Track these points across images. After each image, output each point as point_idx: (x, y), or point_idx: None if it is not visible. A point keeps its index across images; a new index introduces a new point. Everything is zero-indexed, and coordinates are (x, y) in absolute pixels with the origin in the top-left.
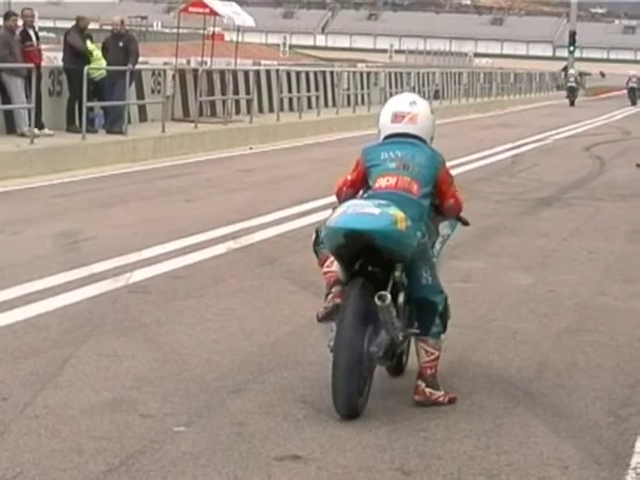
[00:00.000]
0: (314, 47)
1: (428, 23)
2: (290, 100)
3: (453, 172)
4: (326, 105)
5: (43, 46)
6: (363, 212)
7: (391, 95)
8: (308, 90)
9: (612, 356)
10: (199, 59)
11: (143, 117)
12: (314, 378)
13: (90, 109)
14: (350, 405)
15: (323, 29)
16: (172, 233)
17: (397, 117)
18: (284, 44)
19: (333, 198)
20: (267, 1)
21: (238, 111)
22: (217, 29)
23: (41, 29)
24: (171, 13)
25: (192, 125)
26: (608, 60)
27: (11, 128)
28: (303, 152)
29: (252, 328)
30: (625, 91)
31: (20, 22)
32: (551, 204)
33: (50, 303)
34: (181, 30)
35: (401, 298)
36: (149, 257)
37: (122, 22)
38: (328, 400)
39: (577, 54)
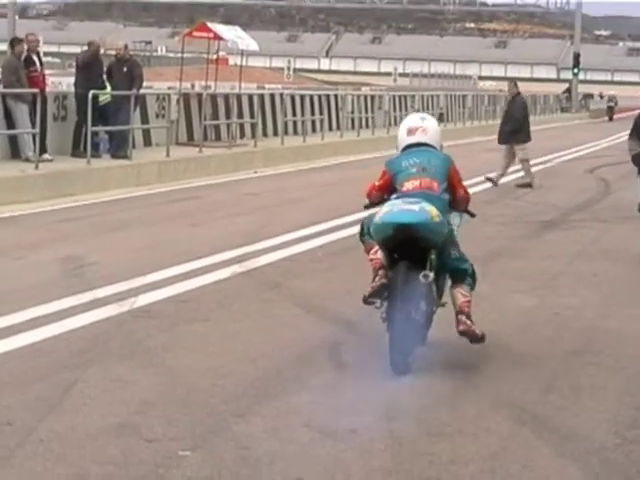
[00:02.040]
0: (318, 71)
1: (432, 46)
2: (294, 124)
3: None
4: (330, 129)
5: (47, 71)
6: (406, 209)
7: (395, 119)
8: (312, 114)
9: (617, 378)
10: (203, 83)
11: (148, 141)
12: (319, 402)
13: (95, 134)
14: (403, 362)
15: (327, 52)
16: (177, 257)
17: (411, 131)
18: (288, 68)
19: (338, 221)
20: (271, 25)
21: (242, 135)
22: (221, 53)
23: (46, 54)
24: (175, 38)
25: (197, 149)
26: (612, 82)
27: (16, 153)
28: (308, 176)
29: (257, 352)
30: (632, 112)
31: (25, 47)
32: (556, 226)
33: (55, 328)
34: (185, 55)
35: (432, 276)
36: (154, 281)
37: (126, 47)
38: (334, 424)
39: (581, 76)
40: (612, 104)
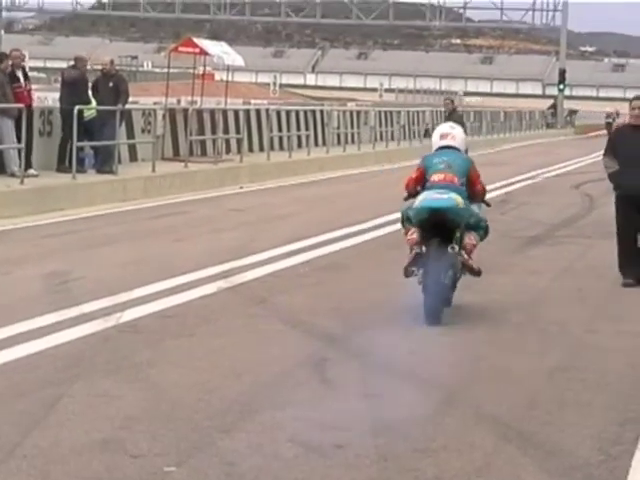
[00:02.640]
0: (304, 86)
1: (418, 62)
2: (280, 139)
3: None
4: (316, 144)
5: (33, 86)
6: (438, 197)
7: (381, 134)
8: (298, 129)
9: (602, 394)
10: (189, 98)
11: (133, 157)
12: (304, 417)
13: (80, 149)
14: (435, 315)
15: (313, 68)
16: (162, 272)
17: (443, 136)
18: (274, 83)
19: (324, 237)
20: (257, 40)
21: (228, 150)
22: (207, 69)
23: (31, 69)
24: (161, 53)
25: (182, 164)
26: (598, 98)
27: (1, 168)
28: (294, 191)
29: (242, 368)
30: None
31: (9, 63)
32: (541, 242)
33: (40, 343)
34: (171, 70)
35: (457, 249)
36: (139, 297)
37: (112, 62)
38: (319, 439)
39: (567, 92)
40: (610, 120)
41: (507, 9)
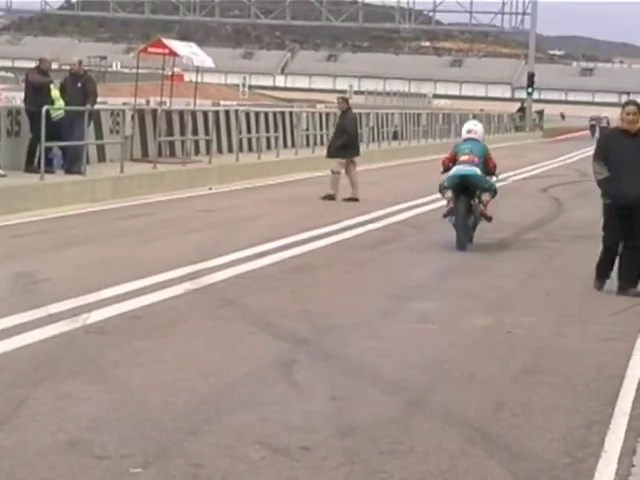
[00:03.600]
0: (274, 88)
1: (387, 64)
2: (249, 141)
3: (413, 212)
4: (285, 146)
5: (1, 86)
6: (464, 169)
7: None
8: (267, 131)
9: (568, 397)
10: (158, 99)
11: (102, 157)
12: (272, 419)
13: (48, 149)
14: (462, 246)
15: (283, 70)
16: (130, 273)
17: (469, 131)
18: (243, 84)
19: (293, 239)
20: (227, 42)
21: (197, 151)
22: (176, 69)
23: None
24: (130, 53)
25: (151, 165)
26: (566, 102)
27: None
28: (262, 193)
29: (209, 369)
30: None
31: None
32: (510, 245)
33: (6, 344)
34: (140, 70)
35: (477, 202)
36: (107, 298)
37: (80, 62)
38: (286, 441)
39: (535, 95)
40: (594, 122)
41: (476, 12)
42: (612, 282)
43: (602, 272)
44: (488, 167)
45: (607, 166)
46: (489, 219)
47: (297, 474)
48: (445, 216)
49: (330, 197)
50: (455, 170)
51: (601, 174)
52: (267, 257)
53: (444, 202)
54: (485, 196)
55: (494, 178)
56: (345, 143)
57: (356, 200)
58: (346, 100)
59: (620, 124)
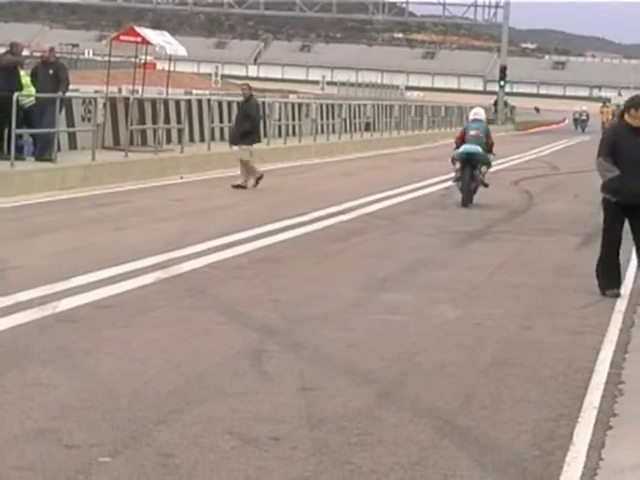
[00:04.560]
0: (246, 77)
1: (360, 55)
2: (221, 130)
3: (384, 204)
4: None
5: None
6: (470, 146)
7: (322, 127)
8: None
9: (537, 390)
10: (130, 87)
11: (73, 145)
12: (242, 409)
13: (19, 136)
14: (466, 203)
15: (255, 60)
16: (100, 262)
17: (475, 114)
18: (216, 74)
19: (263, 229)
20: (200, 31)
21: (169, 140)
22: (149, 58)
23: None
24: (103, 41)
25: (123, 154)
26: (538, 95)
27: None
28: (234, 182)
29: (179, 359)
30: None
31: None
32: (479, 238)
33: None
34: (113, 58)
35: (478, 172)
36: (76, 286)
37: (52, 49)
38: (256, 431)
39: (508, 89)
40: (578, 117)
41: (449, 4)
42: (588, 283)
43: (609, 274)
44: (488, 142)
45: (617, 164)
46: (486, 185)
47: (266, 464)
48: (454, 181)
49: (242, 187)
50: (463, 148)
51: (611, 171)
52: (238, 247)
53: (413, 195)
54: (484, 168)
55: (491, 155)
56: (248, 130)
57: (244, 187)
58: (249, 87)
59: (608, 118)
